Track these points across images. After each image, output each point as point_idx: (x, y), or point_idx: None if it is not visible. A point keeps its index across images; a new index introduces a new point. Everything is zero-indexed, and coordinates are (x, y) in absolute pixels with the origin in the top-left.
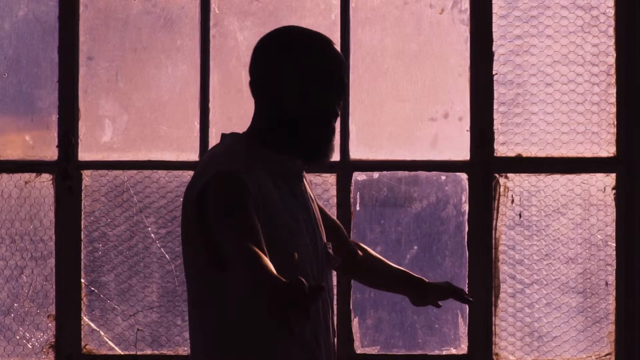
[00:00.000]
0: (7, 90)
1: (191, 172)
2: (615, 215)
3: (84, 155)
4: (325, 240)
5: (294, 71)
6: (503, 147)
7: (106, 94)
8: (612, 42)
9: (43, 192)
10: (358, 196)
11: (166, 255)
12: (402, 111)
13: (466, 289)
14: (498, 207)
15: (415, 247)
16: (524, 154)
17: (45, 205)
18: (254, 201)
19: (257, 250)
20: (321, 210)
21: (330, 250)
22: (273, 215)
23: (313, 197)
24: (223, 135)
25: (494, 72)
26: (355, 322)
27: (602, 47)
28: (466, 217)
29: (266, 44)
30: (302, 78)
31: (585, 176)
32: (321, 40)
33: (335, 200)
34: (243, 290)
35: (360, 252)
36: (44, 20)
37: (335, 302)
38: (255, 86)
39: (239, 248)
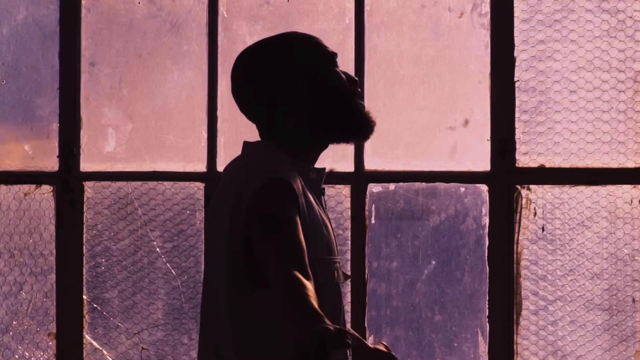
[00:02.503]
0: (5, 98)
1: (198, 184)
2: None
3: (85, 165)
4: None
5: (297, 74)
6: (525, 157)
7: (109, 101)
8: (639, 47)
9: (43, 205)
10: (373, 209)
11: (172, 271)
12: (419, 120)
13: (486, 306)
14: (520, 220)
15: (433, 262)
16: (547, 165)
17: (45, 218)
18: (302, 214)
19: (300, 278)
20: None
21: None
22: (314, 230)
23: None
24: (250, 144)
25: (515, 79)
26: (370, 341)
27: (628, 53)
28: (486, 230)
29: (252, 66)
30: (305, 74)
31: (611, 188)
32: (290, 37)
33: (349, 213)
34: (279, 312)
35: None
36: (44, 24)
37: (349, 320)
38: (260, 106)
39: (282, 273)
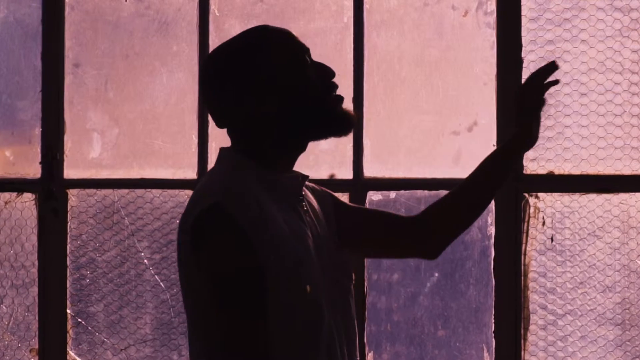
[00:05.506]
0: None
1: (188, 192)
2: None
3: (69, 172)
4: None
5: (263, 72)
6: (533, 164)
7: (94, 104)
8: None
9: (25, 214)
10: None
11: (161, 284)
12: (421, 124)
13: (492, 320)
14: (527, 230)
15: (436, 274)
16: (556, 171)
17: (27, 228)
18: (254, 227)
19: None
20: (355, 210)
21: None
22: (279, 244)
23: (319, 211)
24: (221, 151)
25: (523, 81)
26: (370, 357)
27: None
28: (492, 241)
29: (223, 67)
30: (272, 72)
31: (624, 196)
32: (257, 33)
33: None
34: None
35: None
36: (25, 23)
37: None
38: (226, 107)
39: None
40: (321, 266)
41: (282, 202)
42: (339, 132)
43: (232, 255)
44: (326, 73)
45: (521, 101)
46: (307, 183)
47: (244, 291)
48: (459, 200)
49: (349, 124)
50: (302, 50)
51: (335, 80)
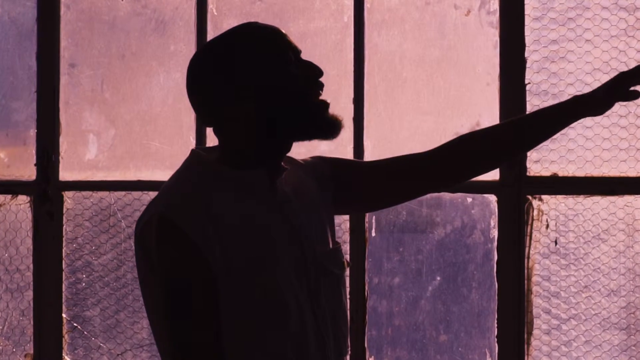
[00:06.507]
0: None
1: None
2: None
3: (65, 174)
4: (331, 246)
5: (245, 74)
6: (536, 166)
7: (90, 105)
8: None
9: (20, 216)
10: (374, 220)
11: None
12: (423, 125)
13: (495, 325)
14: (531, 232)
15: (438, 278)
16: (560, 173)
17: (22, 231)
18: (202, 233)
19: None
20: (365, 166)
21: (337, 257)
22: (230, 246)
23: (307, 196)
24: (191, 152)
25: (526, 81)
26: None
27: None
28: (495, 244)
29: (204, 64)
30: (253, 74)
31: (629, 198)
32: (246, 28)
33: (348, 225)
34: None
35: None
36: (20, 22)
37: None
38: (213, 107)
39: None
40: (297, 259)
41: (249, 199)
42: (323, 137)
43: (176, 267)
44: (312, 72)
45: (622, 82)
46: (302, 160)
47: (188, 301)
48: (497, 137)
49: (334, 129)
50: (288, 48)
51: (335, 80)
